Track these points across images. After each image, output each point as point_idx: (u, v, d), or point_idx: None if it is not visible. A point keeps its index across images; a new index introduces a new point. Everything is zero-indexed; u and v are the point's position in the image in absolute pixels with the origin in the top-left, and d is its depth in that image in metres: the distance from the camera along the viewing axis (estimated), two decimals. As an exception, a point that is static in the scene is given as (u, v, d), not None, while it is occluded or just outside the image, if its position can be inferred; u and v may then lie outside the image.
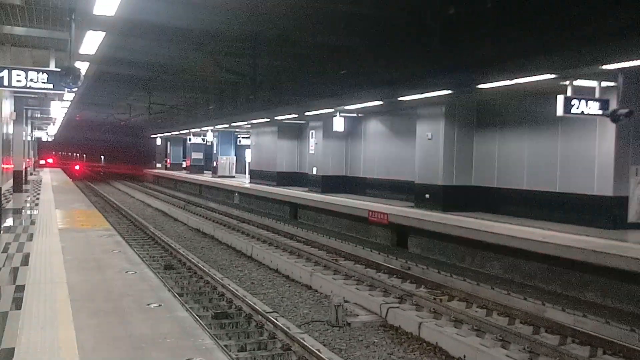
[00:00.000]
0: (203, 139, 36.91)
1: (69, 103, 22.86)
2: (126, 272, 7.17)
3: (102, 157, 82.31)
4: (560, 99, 10.39)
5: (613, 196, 11.75)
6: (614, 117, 10.42)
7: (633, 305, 9.45)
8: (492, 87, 11.31)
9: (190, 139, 39.77)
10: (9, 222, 12.03)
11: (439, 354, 7.29)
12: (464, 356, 7.05)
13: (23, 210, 14.31)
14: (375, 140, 20.52)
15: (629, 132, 11.77)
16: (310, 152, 22.90)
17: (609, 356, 6.82)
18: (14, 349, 4.34)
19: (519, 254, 11.46)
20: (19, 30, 11.26)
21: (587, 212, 12.18)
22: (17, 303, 5.63)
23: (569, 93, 10.49)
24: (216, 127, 30.29)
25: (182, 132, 37.01)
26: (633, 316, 9.08)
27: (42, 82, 9.70)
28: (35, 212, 13.92)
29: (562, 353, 6.63)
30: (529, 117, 14.08)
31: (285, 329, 7.16)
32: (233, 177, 33.91)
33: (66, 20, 9.12)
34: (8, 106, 18.58)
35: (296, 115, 20.59)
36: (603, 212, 11.87)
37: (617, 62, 8.97)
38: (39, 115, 27.14)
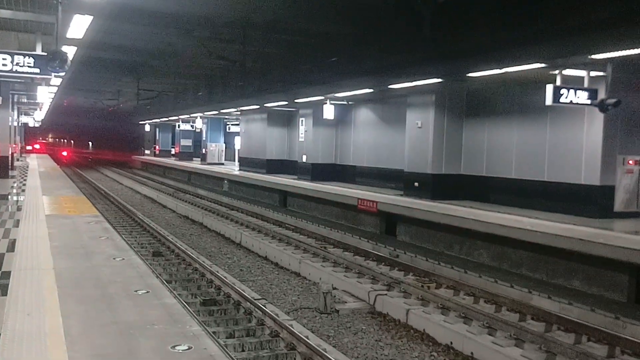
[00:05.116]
0: (192, 126, 36.67)
1: (56, 88, 22.62)
2: (114, 258, 7.13)
3: (90, 143, 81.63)
4: (549, 88, 10.41)
5: (600, 185, 11.85)
6: (602, 106, 10.46)
7: (618, 293, 9.58)
8: (482, 76, 11.31)
9: (179, 126, 39.46)
10: (-5, 208, 11.91)
11: (426, 341, 7.36)
12: (451, 342, 7.12)
13: (9, 196, 14.17)
14: (365, 129, 20.50)
15: (617, 122, 11.84)
16: (300, 139, 22.84)
17: (594, 343, 6.91)
18: (-1, 335, 4.31)
19: (506, 242, 11.56)
20: (4, 13, 11.09)
21: (575, 201, 12.28)
22: (3, 289, 5.58)
23: (558, 82, 10.52)
24: (205, 113, 30.10)
25: (170, 118, 36.72)
26: (618, 304, 9.21)
27: (29, 66, 9.58)
28: (22, 198, 13.78)
29: (548, 340, 6.71)
30: (518, 106, 14.12)
31: (273, 315, 7.17)
32: (222, 164, 33.78)
33: (53, 3, 8.99)
34: (-6, 91, 18.34)
35: (286, 103, 20.49)
36: (590, 201, 11.97)
37: (605, 52, 9.00)
38: (25, 100, 26.81)
